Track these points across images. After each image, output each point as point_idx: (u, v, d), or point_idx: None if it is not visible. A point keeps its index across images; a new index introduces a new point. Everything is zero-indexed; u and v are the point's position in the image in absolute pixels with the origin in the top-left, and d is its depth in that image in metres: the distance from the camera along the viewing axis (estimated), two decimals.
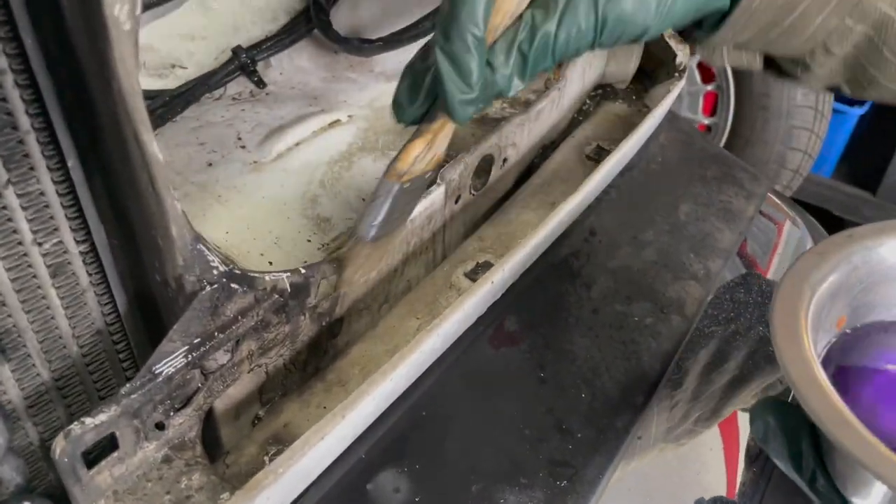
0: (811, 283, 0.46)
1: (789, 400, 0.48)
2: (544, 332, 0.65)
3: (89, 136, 0.40)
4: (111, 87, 0.37)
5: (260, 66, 0.95)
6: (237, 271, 0.47)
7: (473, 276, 0.67)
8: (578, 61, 0.82)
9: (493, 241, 0.72)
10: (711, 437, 0.65)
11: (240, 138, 0.87)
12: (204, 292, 0.45)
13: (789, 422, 0.45)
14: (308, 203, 0.79)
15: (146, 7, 0.86)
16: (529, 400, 0.59)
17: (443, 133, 0.50)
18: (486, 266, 0.68)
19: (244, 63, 0.92)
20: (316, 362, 0.60)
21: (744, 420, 0.66)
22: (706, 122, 2.10)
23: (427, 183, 0.57)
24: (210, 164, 0.82)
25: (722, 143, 2.04)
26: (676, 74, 0.83)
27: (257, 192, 0.80)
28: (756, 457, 0.59)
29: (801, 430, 0.45)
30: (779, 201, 0.95)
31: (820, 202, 2.30)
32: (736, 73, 2.01)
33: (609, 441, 0.58)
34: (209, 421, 0.52)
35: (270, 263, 0.71)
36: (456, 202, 0.71)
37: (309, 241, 0.74)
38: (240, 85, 0.94)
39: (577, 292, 0.69)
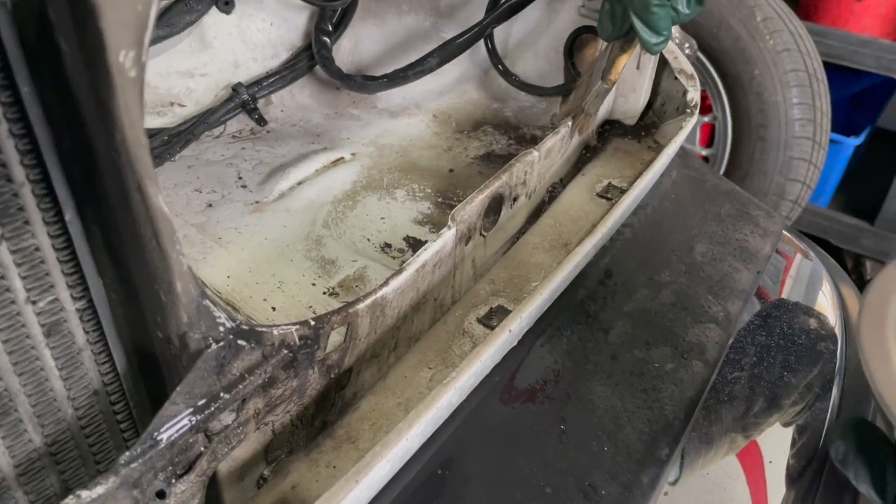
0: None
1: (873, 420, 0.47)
2: (562, 380, 0.62)
3: (88, 188, 0.38)
4: (114, 138, 0.34)
5: (261, 104, 0.93)
6: (245, 327, 0.44)
7: (487, 321, 0.64)
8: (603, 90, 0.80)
9: (505, 284, 0.69)
10: (730, 465, 0.62)
11: (240, 177, 0.85)
12: (209, 351, 0.42)
13: (873, 443, 0.43)
14: (312, 244, 0.77)
15: None
16: (550, 455, 0.56)
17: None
18: (500, 311, 0.65)
19: (244, 100, 0.90)
20: (323, 416, 0.57)
21: (765, 443, 0.64)
22: (704, 153, 2.09)
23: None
24: (210, 205, 0.80)
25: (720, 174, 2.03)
26: (688, 110, 0.82)
27: (259, 234, 0.77)
28: (799, 476, 0.56)
29: (885, 453, 0.43)
30: (790, 235, 0.93)
31: (819, 232, 2.29)
32: (733, 104, 2.01)
33: (635, 498, 0.55)
34: (212, 484, 0.48)
35: (274, 309, 0.69)
36: (466, 244, 0.68)
37: (314, 284, 0.72)
38: (240, 122, 0.92)
39: (594, 338, 0.66)
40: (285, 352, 0.47)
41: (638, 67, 0.84)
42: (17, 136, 0.35)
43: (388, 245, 0.78)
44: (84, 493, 0.38)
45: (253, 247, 0.75)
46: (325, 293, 0.70)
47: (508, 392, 0.60)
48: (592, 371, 0.64)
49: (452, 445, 0.55)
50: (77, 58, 0.33)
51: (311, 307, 0.68)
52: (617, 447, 0.58)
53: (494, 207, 0.72)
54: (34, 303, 0.39)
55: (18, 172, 0.36)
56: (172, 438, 0.42)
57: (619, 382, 0.63)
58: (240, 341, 0.44)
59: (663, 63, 0.86)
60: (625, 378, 0.64)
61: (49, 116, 0.35)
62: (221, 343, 0.43)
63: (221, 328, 0.43)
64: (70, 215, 0.38)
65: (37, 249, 0.38)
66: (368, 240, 0.78)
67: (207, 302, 0.42)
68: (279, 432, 0.52)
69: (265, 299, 0.69)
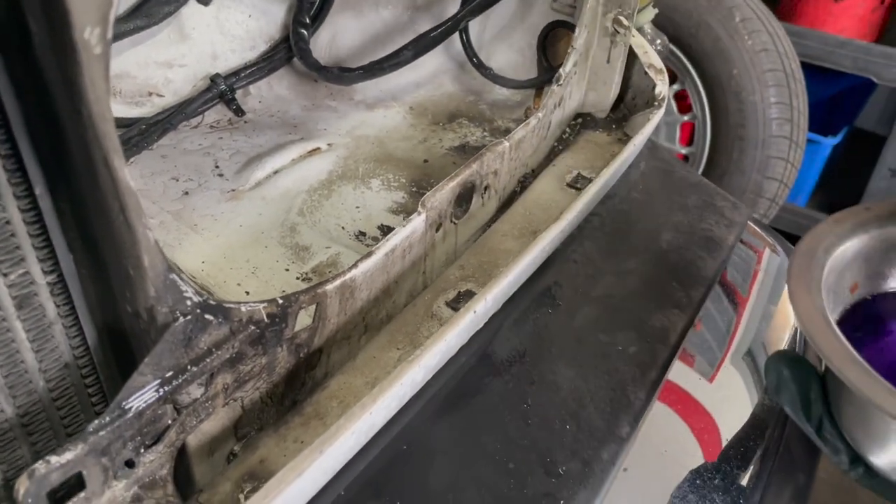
0: (826, 246, 0.49)
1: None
2: (528, 362, 0.64)
3: (58, 163, 0.39)
4: (80, 113, 0.36)
5: (239, 94, 0.94)
6: (212, 302, 0.45)
7: (455, 305, 0.66)
8: (556, 90, 0.82)
9: (474, 270, 0.71)
10: (688, 442, 0.65)
11: (217, 166, 0.86)
12: (177, 324, 0.43)
13: (800, 373, 0.47)
14: (287, 231, 0.78)
15: (123, 34, 0.86)
16: (513, 433, 0.58)
17: None
18: (467, 295, 0.67)
19: (222, 91, 0.91)
20: (293, 395, 0.58)
21: (723, 421, 0.66)
22: (684, 151, 2.12)
23: None
24: (186, 193, 0.81)
25: (699, 173, 2.06)
26: (656, 103, 0.84)
27: (234, 221, 0.78)
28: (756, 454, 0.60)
29: (811, 380, 0.49)
30: (758, 229, 0.95)
31: (796, 230, 2.32)
32: (712, 104, 2.04)
33: (595, 474, 0.57)
34: (182, 457, 0.50)
35: (248, 293, 0.70)
36: (437, 231, 0.70)
37: (287, 269, 0.73)
38: (218, 113, 0.94)
39: (559, 321, 0.68)
40: (253, 328, 0.49)
41: (608, 61, 0.86)
42: None
43: (363, 233, 0.79)
44: (53, 459, 0.40)
45: (228, 233, 0.76)
46: (298, 278, 0.72)
47: (475, 372, 0.62)
48: (557, 353, 0.66)
49: (418, 422, 0.57)
50: (44, 35, 0.34)
51: (284, 291, 0.70)
52: (579, 425, 0.60)
53: (466, 196, 0.74)
54: (5, 275, 0.40)
55: None
56: (140, 408, 0.43)
57: (583, 364, 0.65)
58: (207, 316, 0.45)
59: (633, 58, 0.88)
60: (589, 360, 0.65)
61: (18, 93, 0.37)
62: (189, 317, 0.44)
63: (189, 302, 0.44)
64: (40, 189, 0.39)
65: (7, 223, 0.39)
66: (343, 228, 0.80)
67: (174, 276, 0.43)
68: (249, 409, 0.53)
69: (239, 284, 0.70)
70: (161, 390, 0.44)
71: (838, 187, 2.35)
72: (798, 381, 0.48)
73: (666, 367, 0.66)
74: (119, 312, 0.45)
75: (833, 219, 0.51)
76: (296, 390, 0.59)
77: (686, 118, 2.08)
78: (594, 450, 0.59)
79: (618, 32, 0.84)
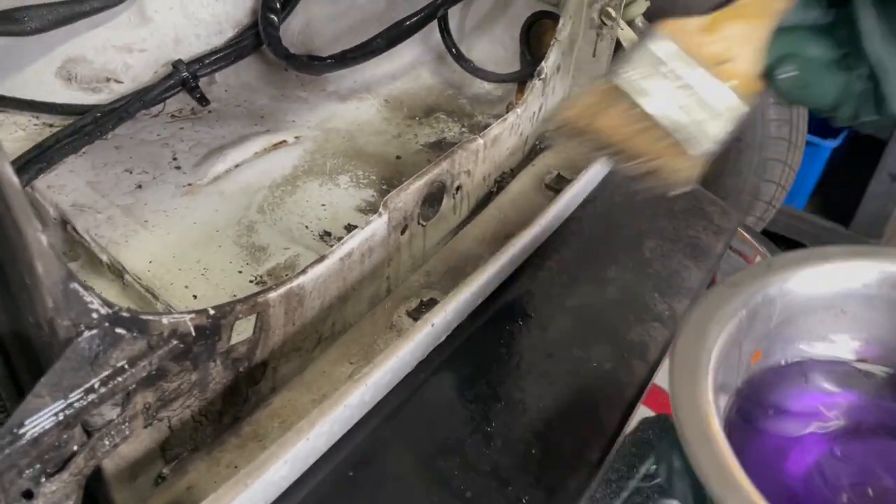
0: (719, 319, 0.43)
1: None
2: (493, 378, 0.59)
3: None
4: None
5: (203, 82, 0.89)
6: (124, 314, 0.40)
7: (416, 315, 0.61)
8: (538, 84, 0.77)
9: (440, 277, 0.66)
10: None
11: (175, 158, 0.81)
12: (80, 339, 0.38)
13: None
14: (244, 230, 0.73)
15: (79, 15, 0.80)
16: (473, 457, 0.53)
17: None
18: (430, 304, 0.62)
19: (185, 78, 0.86)
20: (234, 411, 0.53)
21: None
22: None
23: None
24: (139, 186, 0.76)
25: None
26: None
27: (188, 217, 0.73)
28: None
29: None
30: (748, 236, 0.91)
31: (793, 234, 2.27)
32: None
33: None
34: (98, 483, 0.45)
35: (195, 297, 0.65)
36: (402, 233, 0.65)
37: (240, 272, 0.68)
38: (180, 102, 0.88)
39: (531, 334, 0.63)
40: (175, 342, 0.44)
41: (594, 55, 0.81)
42: None
43: (328, 233, 0.74)
44: None
45: (180, 231, 0.71)
46: (251, 281, 0.67)
47: (434, 389, 0.57)
48: (526, 369, 0.61)
49: (368, 445, 0.52)
50: None
51: (234, 295, 0.65)
52: (546, 450, 0.55)
53: (436, 196, 0.69)
54: None
55: None
56: (37, 434, 0.38)
57: (554, 382, 0.60)
58: (118, 329, 0.40)
59: (622, 52, 0.83)
60: (560, 377, 0.61)
61: None
62: (95, 331, 0.39)
63: (95, 315, 0.39)
64: None
65: None
66: (307, 227, 0.75)
67: (75, 285, 0.38)
68: (178, 429, 0.49)
69: (187, 286, 0.65)
70: (62, 414, 0.39)
71: (837, 191, 2.30)
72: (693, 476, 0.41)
73: (644, 386, 0.61)
74: (22, 322, 0.40)
75: (730, 282, 0.45)
76: (237, 406, 0.54)
77: None
78: (561, 478, 0.54)
79: (605, 25, 0.79)
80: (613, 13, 0.77)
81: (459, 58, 0.89)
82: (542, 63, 0.77)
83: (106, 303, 0.39)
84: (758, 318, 0.44)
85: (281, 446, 0.44)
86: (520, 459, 0.54)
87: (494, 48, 0.92)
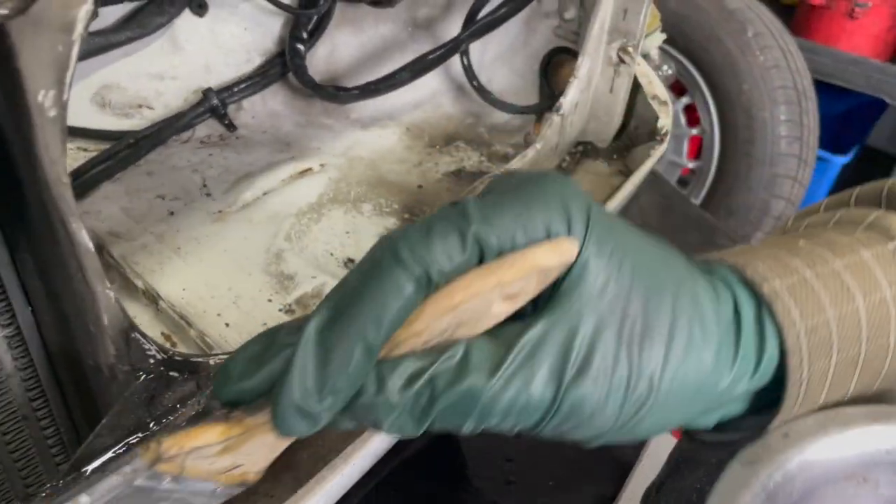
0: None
1: None
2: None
3: (17, 221, 0.37)
4: (37, 176, 0.34)
5: (231, 109, 0.92)
6: (177, 358, 0.44)
7: None
8: (556, 119, 0.79)
9: None
10: None
11: (205, 185, 0.84)
12: (138, 383, 0.41)
13: None
14: (272, 258, 0.76)
15: (114, 45, 0.83)
16: (496, 497, 0.56)
17: (262, 440, 0.35)
18: None
19: (214, 105, 0.89)
20: None
21: None
22: (690, 165, 2.09)
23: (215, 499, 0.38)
24: (171, 213, 0.79)
25: (705, 189, 2.03)
26: (658, 138, 0.81)
27: (219, 245, 0.76)
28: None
29: None
30: None
31: None
32: (721, 118, 2.01)
33: None
34: None
35: (227, 325, 0.68)
36: None
37: (270, 300, 0.71)
38: (209, 128, 0.91)
39: None
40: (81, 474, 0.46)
41: (611, 91, 0.84)
42: None
43: (352, 260, 0.77)
44: None
45: (211, 258, 0.74)
46: (280, 310, 0.70)
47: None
48: None
49: (397, 478, 0.55)
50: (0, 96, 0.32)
51: (265, 324, 0.68)
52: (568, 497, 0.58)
53: None
54: None
55: None
56: (99, 472, 0.41)
57: None
58: (171, 373, 0.43)
59: (637, 87, 0.85)
60: None
61: None
62: (151, 375, 0.42)
63: (151, 360, 0.42)
64: None
65: None
66: (332, 254, 0.78)
67: (136, 335, 0.41)
68: None
69: (219, 314, 0.68)
70: (120, 452, 0.42)
71: None
72: None
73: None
74: (81, 365, 0.43)
75: (744, 460, 0.40)
76: None
77: (694, 132, 2.05)
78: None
79: (622, 62, 0.81)
80: (631, 52, 0.79)
81: (480, 90, 0.92)
82: (561, 99, 0.79)
83: (161, 349, 0.43)
84: (778, 499, 0.40)
85: (318, 482, 0.47)
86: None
87: (514, 80, 0.95)
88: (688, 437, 0.43)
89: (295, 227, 0.80)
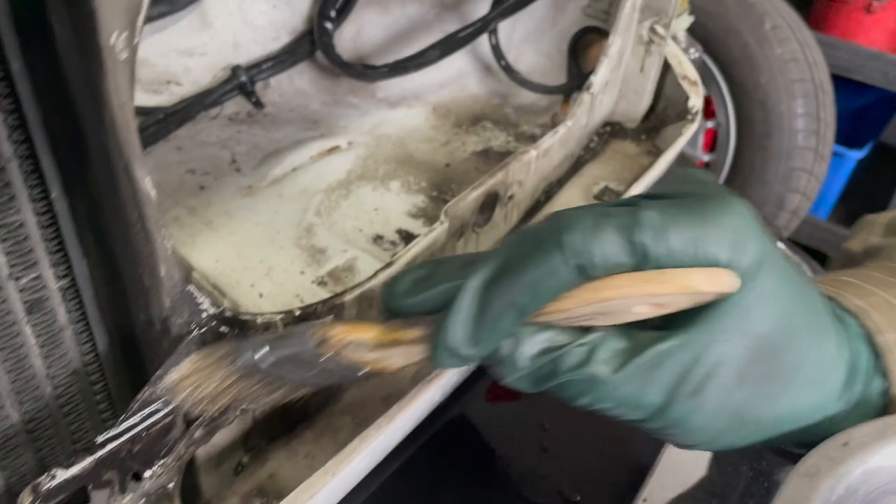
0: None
1: None
2: None
3: (76, 167, 0.37)
4: (103, 119, 0.34)
5: (259, 87, 0.92)
6: (228, 314, 0.44)
7: None
8: (586, 97, 0.80)
9: None
10: None
11: (234, 160, 0.84)
12: (191, 336, 0.42)
13: None
14: (303, 232, 0.76)
15: (145, 21, 0.84)
16: (531, 465, 0.56)
17: (405, 349, 0.40)
18: None
19: (243, 82, 0.89)
20: (305, 407, 0.56)
21: None
22: (705, 158, 2.09)
23: (348, 378, 0.43)
24: (202, 188, 0.79)
25: (720, 182, 2.02)
26: (689, 117, 0.81)
27: (250, 219, 0.77)
28: None
29: None
30: (781, 245, 0.93)
31: (816, 244, 2.29)
32: (737, 111, 2.01)
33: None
34: (189, 469, 0.48)
35: (261, 296, 0.68)
36: (458, 240, 0.68)
37: (302, 273, 0.71)
38: (237, 105, 0.92)
39: None
40: (268, 333, 0.47)
41: (641, 70, 0.84)
42: (5, 112, 0.35)
43: (380, 237, 0.78)
44: (59, 472, 0.38)
45: (243, 231, 0.74)
46: (313, 282, 0.70)
47: (495, 390, 0.60)
48: None
49: (434, 444, 0.55)
50: (68, 37, 0.32)
51: (298, 296, 0.68)
52: (601, 459, 0.58)
53: (489, 204, 0.72)
54: (17, 279, 0.39)
55: (6, 148, 0.36)
56: (149, 423, 0.42)
57: None
58: (222, 328, 0.44)
59: (667, 67, 0.85)
60: None
61: (39, 94, 0.35)
62: (204, 329, 0.43)
63: (204, 314, 0.43)
64: (56, 193, 0.38)
65: (21, 226, 0.38)
66: (360, 230, 0.78)
67: (192, 287, 0.41)
68: (260, 420, 0.52)
69: (252, 285, 0.69)
70: (172, 404, 0.42)
71: (861, 202, 2.31)
72: None
73: None
74: (132, 319, 0.43)
75: (804, 472, 0.38)
76: (308, 402, 0.57)
77: (710, 125, 2.04)
78: (614, 479, 0.57)
79: (653, 41, 0.81)
80: (662, 31, 0.80)
81: (508, 69, 0.92)
82: (592, 77, 0.79)
83: (214, 303, 0.43)
84: None
85: (363, 440, 0.47)
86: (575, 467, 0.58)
87: (540, 61, 0.95)
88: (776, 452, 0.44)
89: (324, 202, 0.80)
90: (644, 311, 0.35)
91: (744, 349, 0.35)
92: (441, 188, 0.84)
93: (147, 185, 0.36)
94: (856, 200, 2.34)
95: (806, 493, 0.36)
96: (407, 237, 0.78)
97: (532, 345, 0.36)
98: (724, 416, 0.36)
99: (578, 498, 0.55)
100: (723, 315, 0.34)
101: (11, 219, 0.37)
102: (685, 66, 0.85)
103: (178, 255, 0.40)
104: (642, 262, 0.34)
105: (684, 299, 0.35)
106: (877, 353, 0.38)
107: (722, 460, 0.59)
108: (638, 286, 0.34)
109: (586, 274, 0.34)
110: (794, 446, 0.40)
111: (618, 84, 0.85)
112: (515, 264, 0.35)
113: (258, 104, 0.91)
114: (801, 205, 2.07)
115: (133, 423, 0.41)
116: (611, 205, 0.36)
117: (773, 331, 0.35)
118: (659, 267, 0.34)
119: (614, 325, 0.36)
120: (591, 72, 0.81)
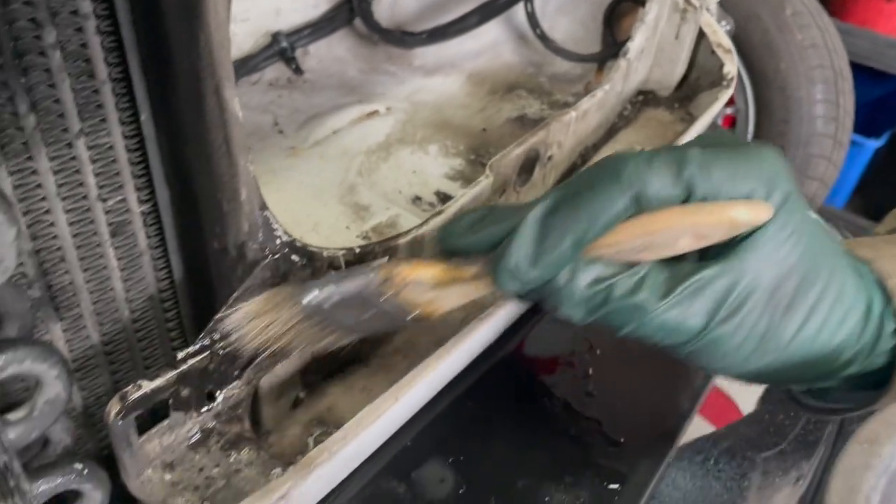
0: (866, 488, 0.38)
1: None
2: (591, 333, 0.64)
3: (166, 89, 0.39)
4: (198, 39, 0.36)
5: (298, 53, 0.94)
6: (298, 244, 0.46)
7: None
8: (623, 63, 0.81)
9: None
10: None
11: (276, 123, 0.86)
12: (267, 261, 0.44)
13: None
14: (346, 191, 0.78)
15: None
16: (576, 406, 0.58)
17: (462, 288, 0.43)
18: None
19: (283, 48, 0.91)
20: (359, 349, 0.58)
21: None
22: None
23: (397, 323, 0.45)
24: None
25: None
26: (724, 83, 0.83)
27: (294, 178, 0.78)
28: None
29: None
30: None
31: None
32: (756, 97, 2.01)
33: (657, 447, 0.57)
34: (253, 399, 0.50)
35: None
36: (500, 197, 0.69)
37: (348, 228, 0.73)
38: (277, 71, 0.93)
39: None
40: (333, 273, 0.49)
41: (677, 38, 0.85)
42: (103, 34, 0.37)
43: (419, 198, 0.79)
44: (145, 384, 0.40)
45: (289, 189, 0.76)
46: (358, 236, 0.72)
47: (545, 333, 0.62)
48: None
49: (485, 382, 0.57)
50: None
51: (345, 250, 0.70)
52: (640, 404, 0.60)
53: (529, 165, 0.73)
54: (104, 200, 0.41)
55: (101, 70, 0.37)
56: (223, 343, 0.44)
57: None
58: (293, 256, 0.46)
59: (701, 36, 0.87)
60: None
61: (135, 15, 0.37)
62: (277, 255, 0.44)
63: (278, 241, 0.44)
64: (145, 116, 0.40)
65: (110, 148, 0.40)
66: (400, 191, 0.80)
67: (268, 213, 0.43)
68: (318, 356, 0.54)
69: (301, 238, 0.70)
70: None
71: (878, 191, 2.31)
72: None
73: (700, 391, 0.64)
74: (205, 249, 0.45)
75: (864, 438, 0.40)
76: (361, 341, 0.59)
77: (729, 111, 2.05)
78: (655, 425, 0.58)
79: (688, 9, 0.83)
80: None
81: (543, 38, 0.94)
82: (628, 43, 0.81)
83: (286, 231, 0.45)
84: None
85: (424, 368, 0.49)
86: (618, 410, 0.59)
87: (575, 29, 0.97)
88: (791, 399, 0.48)
89: (365, 164, 0.82)
90: (687, 244, 0.39)
91: (773, 278, 0.39)
92: (478, 152, 0.85)
93: (236, 105, 0.38)
94: (873, 190, 2.34)
95: (867, 459, 0.39)
96: (445, 198, 0.79)
97: (587, 275, 0.39)
98: (753, 340, 0.39)
99: (622, 439, 0.57)
100: (758, 245, 0.38)
101: (102, 140, 0.39)
102: (719, 34, 0.86)
103: (257, 181, 0.41)
104: (689, 194, 0.38)
105: (723, 231, 0.38)
106: (887, 298, 0.41)
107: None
108: (687, 217, 0.38)
109: (639, 205, 0.38)
110: (815, 380, 0.43)
111: (652, 51, 0.86)
112: (575, 196, 0.39)
113: (298, 70, 0.93)
114: (819, 192, 2.08)
115: (208, 343, 0.43)
116: (662, 149, 0.40)
117: (799, 262, 0.39)
118: (704, 199, 0.38)
119: (658, 260, 0.40)
120: (625, 41, 0.82)
